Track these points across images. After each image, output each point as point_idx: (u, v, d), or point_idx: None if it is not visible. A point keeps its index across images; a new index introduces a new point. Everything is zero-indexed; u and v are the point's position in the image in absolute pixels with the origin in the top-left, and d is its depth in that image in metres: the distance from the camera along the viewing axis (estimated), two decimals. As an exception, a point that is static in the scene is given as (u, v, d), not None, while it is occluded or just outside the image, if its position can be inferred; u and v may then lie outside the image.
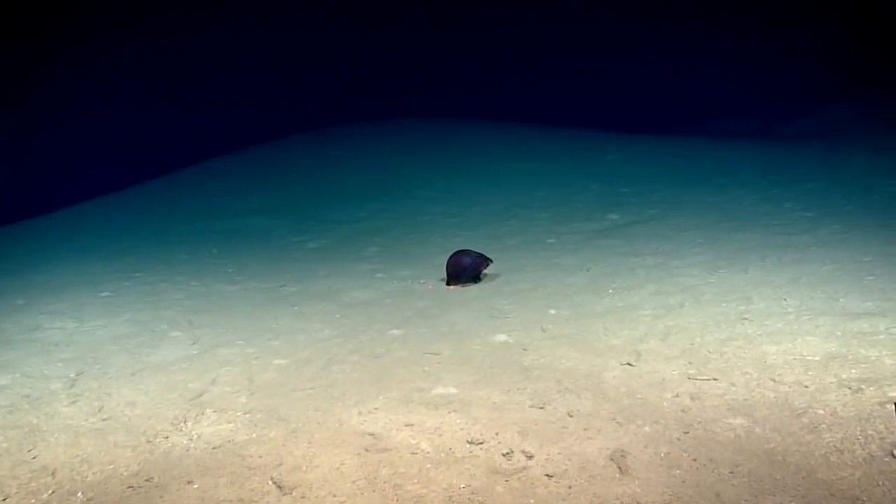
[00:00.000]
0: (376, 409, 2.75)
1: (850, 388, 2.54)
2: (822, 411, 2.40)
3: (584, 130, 11.27)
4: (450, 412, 2.66)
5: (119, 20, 10.14)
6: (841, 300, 3.52)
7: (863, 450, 2.13)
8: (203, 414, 2.83)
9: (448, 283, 4.69)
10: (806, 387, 2.60)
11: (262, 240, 6.96)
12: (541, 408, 2.63)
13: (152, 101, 10.75)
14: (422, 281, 4.86)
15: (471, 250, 4.76)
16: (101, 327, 4.14)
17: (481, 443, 2.38)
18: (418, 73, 12.97)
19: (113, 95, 10.29)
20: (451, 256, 4.72)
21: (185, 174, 10.83)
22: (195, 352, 3.66)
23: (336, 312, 4.23)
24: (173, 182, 10.44)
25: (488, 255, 4.73)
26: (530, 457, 2.26)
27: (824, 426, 2.29)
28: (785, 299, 3.62)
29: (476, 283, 4.67)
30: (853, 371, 2.67)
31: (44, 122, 9.34)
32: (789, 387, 2.62)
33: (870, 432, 2.22)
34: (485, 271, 4.72)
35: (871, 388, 2.51)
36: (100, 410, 2.89)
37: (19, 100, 8.70)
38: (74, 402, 2.97)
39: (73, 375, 3.32)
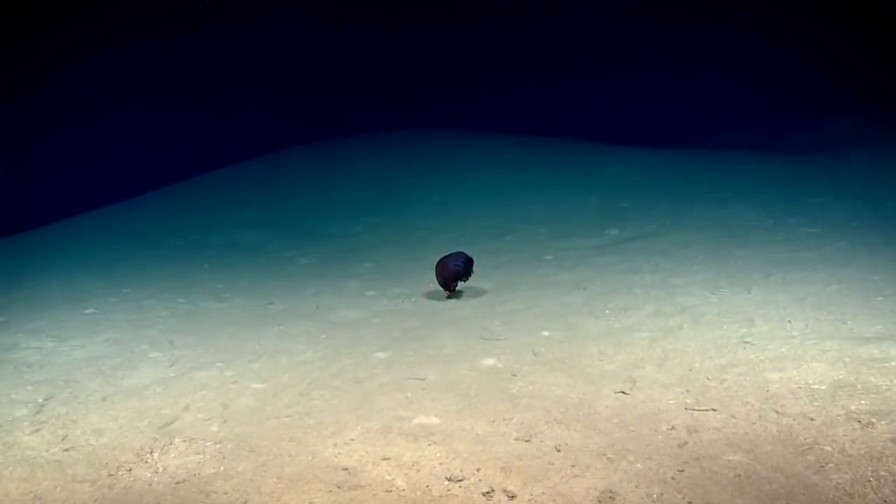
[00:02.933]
0: (353, 440, 2.59)
1: (859, 421, 2.37)
2: (829, 448, 2.22)
3: (585, 142, 11.14)
4: (430, 444, 2.49)
5: (115, 32, 10.10)
6: (849, 322, 3.34)
7: (875, 494, 1.95)
8: (171, 444, 2.67)
9: (450, 296, 4.61)
10: (812, 419, 2.42)
11: (255, 255, 6.83)
12: (527, 441, 2.47)
13: (150, 112, 10.69)
14: (409, 299, 4.72)
15: (451, 252, 4.67)
16: (78, 347, 4.00)
17: (461, 480, 2.22)
18: (416, 85, 12.89)
19: (109, 107, 10.23)
20: (439, 265, 4.60)
21: (183, 186, 10.74)
22: (172, 374, 3.50)
23: (322, 333, 4.07)
24: (171, 194, 10.35)
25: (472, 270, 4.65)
26: (512, 497, 2.10)
27: (832, 465, 2.12)
28: (789, 321, 3.45)
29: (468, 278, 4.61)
30: (863, 402, 2.50)
31: (38, 134, 9.26)
32: (793, 419, 2.45)
33: (882, 473, 2.05)
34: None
35: (883, 422, 2.33)
36: (63, 439, 2.74)
37: (13, 112, 8.63)
38: (37, 431, 2.82)
39: (41, 400, 3.16)
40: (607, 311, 3.96)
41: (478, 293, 4.71)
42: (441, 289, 4.71)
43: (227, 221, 8.37)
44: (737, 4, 11.77)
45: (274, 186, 9.96)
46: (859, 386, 2.64)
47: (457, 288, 4.67)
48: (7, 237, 8.12)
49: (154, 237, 7.88)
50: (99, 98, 9.98)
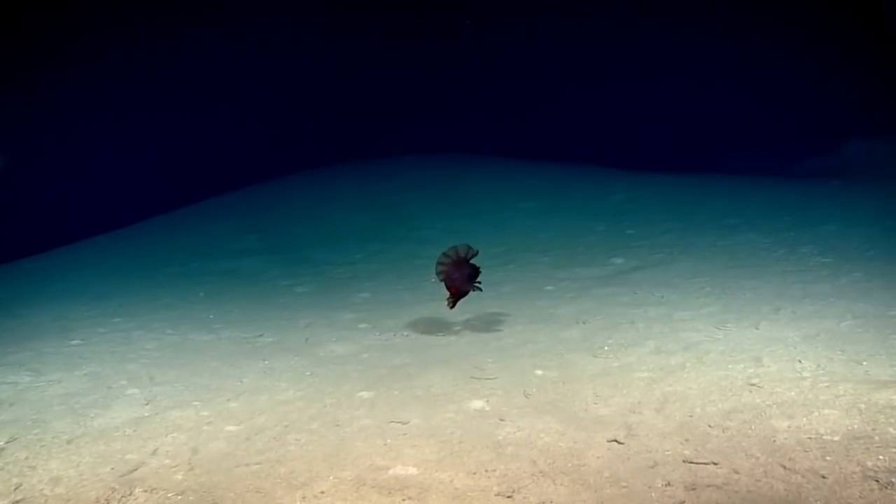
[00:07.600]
0: (322, 492, 2.40)
1: (877, 480, 2.14)
2: (842, 512, 2.00)
3: (593, 167, 10.99)
4: (404, 499, 2.30)
5: (119, 62, 10.18)
6: (864, 363, 3.11)
7: (893, 571, 1.73)
8: (130, 495, 2.49)
9: (452, 304, 4.26)
10: (823, 477, 2.20)
11: (252, 283, 6.70)
12: (508, 496, 2.26)
13: (153, 139, 10.72)
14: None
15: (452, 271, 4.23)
16: (55, 382, 3.85)
17: (432, 545, 2.02)
18: (422, 110, 12.87)
19: (113, 136, 10.27)
20: (449, 283, 4.18)
21: (184, 212, 10.70)
22: (146, 414, 3.34)
23: (307, 369, 3.90)
24: (172, 220, 10.31)
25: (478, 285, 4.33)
26: (487, 567, 1.89)
27: (845, 533, 1.89)
28: (799, 361, 3.22)
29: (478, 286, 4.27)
30: (881, 458, 2.26)
31: (42, 159, 9.30)
32: (803, 476, 2.22)
33: (902, 545, 1.82)
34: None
35: (902, 483, 2.10)
36: (16, 489, 2.57)
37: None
38: (-9, 478, 2.66)
39: (2, 443, 3.00)
40: (606, 348, 3.75)
41: (473, 326, 4.53)
42: (446, 305, 4.32)
43: (227, 248, 8.27)
44: (750, 29, 11.68)
45: (275, 213, 9.88)
46: (877, 438, 2.40)
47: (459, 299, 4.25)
48: (6, 264, 8.07)
49: (153, 264, 7.79)
50: (101, 125, 10.02)
